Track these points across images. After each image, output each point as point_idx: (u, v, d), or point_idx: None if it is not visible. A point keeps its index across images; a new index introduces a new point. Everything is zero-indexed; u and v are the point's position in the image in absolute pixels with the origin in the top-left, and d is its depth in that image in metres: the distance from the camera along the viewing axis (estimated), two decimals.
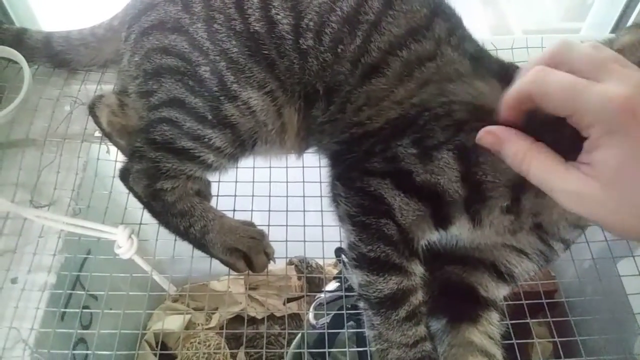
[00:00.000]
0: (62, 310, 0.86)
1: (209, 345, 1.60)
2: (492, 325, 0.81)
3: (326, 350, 0.87)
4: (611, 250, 0.99)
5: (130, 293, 0.88)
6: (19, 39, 1.06)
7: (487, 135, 0.63)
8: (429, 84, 0.82)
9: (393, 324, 0.72)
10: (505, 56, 0.92)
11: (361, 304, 0.76)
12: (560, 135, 0.57)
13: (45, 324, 0.83)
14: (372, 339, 0.74)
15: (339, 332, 1.03)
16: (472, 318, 0.81)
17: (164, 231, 0.90)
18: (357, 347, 0.96)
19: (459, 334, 0.80)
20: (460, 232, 0.79)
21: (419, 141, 0.78)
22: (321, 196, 0.95)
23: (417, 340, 0.72)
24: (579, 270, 1.10)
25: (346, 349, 0.86)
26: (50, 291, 0.86)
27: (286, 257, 0.95)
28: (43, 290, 0.86)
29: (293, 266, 1.73)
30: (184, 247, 0.91)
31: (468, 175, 0.74)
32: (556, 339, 0.89)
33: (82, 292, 0.89)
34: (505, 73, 0.83)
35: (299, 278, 1.69)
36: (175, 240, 0.90)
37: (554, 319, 0.91)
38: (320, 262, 0.93)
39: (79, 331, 0.86)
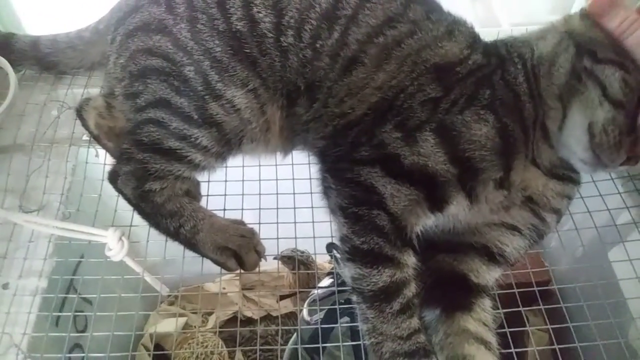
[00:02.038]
0: (54, 314, 0.85)
1: (206, 346, 1.59)
2: (485, 312, 0.82)
3: (320, 345, 0.87)
4: (601, 237, 1.00)
5: (123, 295, 0.88)
6: (7, 42, 1.07)
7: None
8: (407, 59, 0.85)
9: (387, 317, 0.72)
10: None
11: (354, 298, 0.77)
12: None
13: (37, 329, 0.83)
14: (366, 333, 0.75)
15: (333, 328, 1.03)
16: (466, 306, 0.81)
17: (155, 232, 0.90)
18: (352, 341, 0.96)
19: (453, 323, 0.80)
20: (458, 211, 0.80)
21: (400, 124, 0.80)
22: (311, 193, 0.96)
23: (411, 332, 0.72)
24: (571, 258, 1.11)
25: (340, 344, 0.87)
26: (42, 295, 0.86)
27: (277, 255, 0.95)
28: (35, 294, 0.86)
29: (284, 265, 1.73)
30: (177, 249, 0.90)
31: (455, 153, 0.76)
32: (549, 326, 0.90)
33: (74, 296, 0.88)
34: (474, 41, 0.88)
35: (293, 273, 1.68)
36: (167, 241, 0.90)
37: (546, 306, 0.91)
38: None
39: (72, 334, 0.86)
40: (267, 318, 1.73)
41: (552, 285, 1.05)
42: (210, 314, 1.71)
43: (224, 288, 1.67)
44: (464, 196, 0.77)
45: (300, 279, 1.60)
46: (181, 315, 1.69)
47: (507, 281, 0.91)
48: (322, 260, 0.96)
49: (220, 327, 1.68)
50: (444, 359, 0.78)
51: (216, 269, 0.91)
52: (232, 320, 1.70)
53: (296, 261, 1.43)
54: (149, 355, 1.49)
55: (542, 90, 0.81)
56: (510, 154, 0.78)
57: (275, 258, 1.37)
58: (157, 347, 1.55)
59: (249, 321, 1.68)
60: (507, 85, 0.81)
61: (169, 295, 1.71)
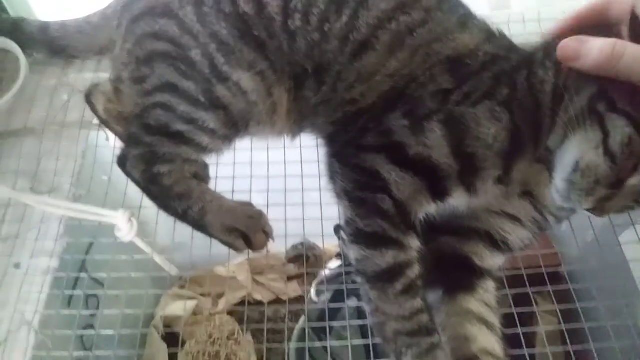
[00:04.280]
0: (66, 293, 0.87)
1: (222, 330, 1.61)
2: (488, 293, 0.82)
3: (327, 324, 0.87)
4: (612, 220, 0.99)
5: (133, 274, 0.90)
6: (17, 27, 1.08)
7: (567, 42, 0.65)
8: (420, 50, 0.84)
9: (390, 297, 0.73)
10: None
11: (358, 279, 0.77)
12: None
13: (49, 307, 0.85)
14: (370, 313, 0.75)
15: (340, 309, 1.04)
16: (468, 287, 0.82)
17: (164, 215, 0.91)
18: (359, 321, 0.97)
19: (456, 304, 0.81)
20: (459, 202, 0.80)
21: (409, 112, 0.79)
22: (319, 175, 0.96)
23: (413, 312, 0.72)
24: (582, 242, 1.10)
25: (347, 322, 0.87)
26: (53, 275, 0.88)
27: (285, 236, 0.96)
28: (46, 274, 0.87)
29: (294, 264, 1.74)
30: (187, 232, 0.91)
31: (459, 149, 0.75)
32: (556, 307, 0.90)
33: (85, 275, 0.90)
34: (490, 33, 0.86)
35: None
36: (175, 223, 0.91)
37: (554, 288, 0.91)
38: (319, 240, 0.95)
39: (82, 313, 0.87)
40: (277, 302, 1.76)
41: (564, 270, 1.05)
42: (220, 297, 1.74)
43: (233, 272, 1.70)
44: (464, 190, 0.77)
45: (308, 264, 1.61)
46: (191, 298, 1.71)
47: (516, 265, 0.91)
48: (330, 243, 0.97)
49: (228, 311, 1.70)
50: (446, 339, 0.78)
51: (225, 252, 0.91)
52: (242, 304, 1.73)
53: (304, 257, 1.43)
54: (160, 336, 1.52)
55: (559, 111, 0.75)
56: (515, 158, 0.77)
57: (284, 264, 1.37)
58: (169, 330, 1.58)
59: (258, 305, 1.70)
60: (530, 89, 0.77)
61: (180, 278, 1.74)
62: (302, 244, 1.57)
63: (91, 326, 1.03)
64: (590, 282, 0.94)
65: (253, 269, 1.78)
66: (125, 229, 0.90)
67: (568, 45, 0.68)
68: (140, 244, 0.92)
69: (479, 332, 0.78)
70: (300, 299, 1.72)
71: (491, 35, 0.88)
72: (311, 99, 0.89)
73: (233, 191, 0.99)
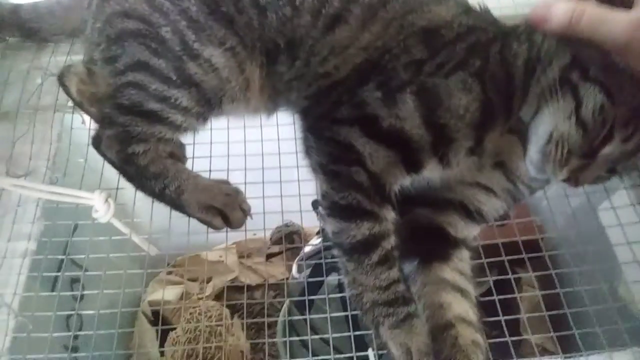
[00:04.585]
0: (45, 274, 0.87)
1: (210, 317, 1.61)
2: (463, 262, 0.83)
3: (306, 298, 0.88)
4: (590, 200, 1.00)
5: (111, 255, 0.90)
6: None
7: (536, 8, 0.68)
8: (393, 22, 0.84)
9: (366, 268, 0.73)
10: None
11: (335, 252, 0.78)
12: None
13: (27, 290, 0.85)
14: (347, 285, 0.76)
15: (322, 284, 1.04)
16: (443, 256, 0.83)
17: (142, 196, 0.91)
18: (342, 296, 0.98)
19: (431, 273, 0.82)
20: (432, 174, 0.81)
21: (382, 84, 0.80)
22: (296, 152, 0.96)
23: (390, 282, 0.73)
24: (562, 223, 1.11)
25: (325, 296, 0.88)
26: (31, 258, 0.88)
27: (263, 213, 0.96)
28: (24, 257, 0.87)
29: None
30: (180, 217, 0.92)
31: (431, 120, 0.76)
32: (538, 292, 0.91)
33: (63, 257, 0.90)
34: (468, 7, 0.87)
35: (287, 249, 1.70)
36: (153, 203, 0.91)
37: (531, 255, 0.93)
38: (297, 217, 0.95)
39: (62, 294, 0.88)
40: (265, 285, 1.76)
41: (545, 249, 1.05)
42: (208, 281, 1.74)
43: (220, 256, 1.70)
44: (437, 161, 0.78)
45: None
46: (179, 283, 1.72)
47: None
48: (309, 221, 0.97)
49: (216, 295, 1.71)
50: (422, 307, 0.79)
51: (212, 238, 0.92)
52: (229, 288, 1.73)
53: (283, 237, 1.44)
54: (149, 321, 1.52)
55: (531, 83, 0.77)
56: (487, 129, 0.78)
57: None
58: (157, 315, 1.58)
59: (246, 288, 1.71)
60: (503, 62, 0.78)
61: (168, 264, 1.74)
62: (286, 225, 1.58)
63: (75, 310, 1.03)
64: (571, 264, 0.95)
65: (240, 253, 1.79)
66: (102, 210, 0.90)
67: (537, 9, 0.70)
68: (118, 224, 0.92)
69: (453, 300, 0.79)
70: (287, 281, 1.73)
71: (469, 9, 0.88)
72: (284, 74, 0.89)
73: (210, 170, 1.00)
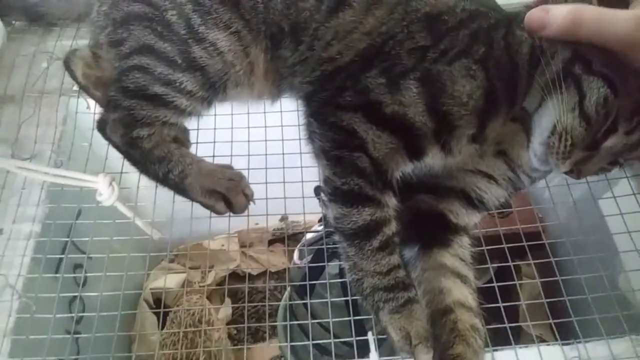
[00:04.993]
0: (49, 256, 0.88)
1: (193, 314, 1.60)
2: (462, 248, 0.84)
3: (307, 283, 0.89)
4: (592, 191, 1.00)
5: (114, 238, 0.91)
6: None
7: (532, 13, 0.63)
8: (397, 7, 0.84)
9: (367, 253, 0.74)
10: None
11: (336, 237, 0.78)
12: None
13: (32, 271, 0.86)
14: (348, 270, 0.76)
15: (323, 270, 1.05)
16: (444, 242, 0.83)
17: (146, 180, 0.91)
18: (342, 282, 0.98)
19: (430, 258, 0.82)
20: (434, 161, 0.81)
21: (386, 70, 0.80)
22: (299, 139, 0.97)
23: (390, 268, 0.74)
24: (563, 212, 1.11)
25: (326, 281, 0.89)
26: (35, 240, 0.88)
27: (266, 199, 0.97)
28: (28, 239, 0.88)
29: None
30: (179, 207, 0.92)
31: (434, 107, 0.76)
32: (537, 280, 0.92)
33: (67, 239, 0.91)
34: None
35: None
36: (172, 198, 0.91)
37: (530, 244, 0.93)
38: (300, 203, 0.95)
39: (65, 275, 0.88)
40: (266, 274, 1.77)
41: (546, 239, 1.06)
42: (210, 269, 1.75)
43: (222, 245, 1.71)
44: (439, 148, 0.78)
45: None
46: (181, 272, 1.73)
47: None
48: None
49: (218, 284, 1.72)
50: (421, 293, 0.80)
51: (214, 227, 0.93)
52: (231, 276, 1.75)
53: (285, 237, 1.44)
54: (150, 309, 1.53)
55: (536, 74, 0.76)
56: (490, 116, 0.78)
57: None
58: (159, 302, 1.59)
59: (247, 277, 1.72)
60: (507, 49, 0.78)
61: (171, 252, 1.75)
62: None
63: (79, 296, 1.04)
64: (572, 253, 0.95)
65: (242, 242, 1.80)
66: (106, 194, 0.91)
67: (533, 15, 0.65)
68: (121, 208, 0.93)
69: (453, 285, 0.79)
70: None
71: None
72: (288, 58, 0.89)
73: (214, 156, 1.00)
